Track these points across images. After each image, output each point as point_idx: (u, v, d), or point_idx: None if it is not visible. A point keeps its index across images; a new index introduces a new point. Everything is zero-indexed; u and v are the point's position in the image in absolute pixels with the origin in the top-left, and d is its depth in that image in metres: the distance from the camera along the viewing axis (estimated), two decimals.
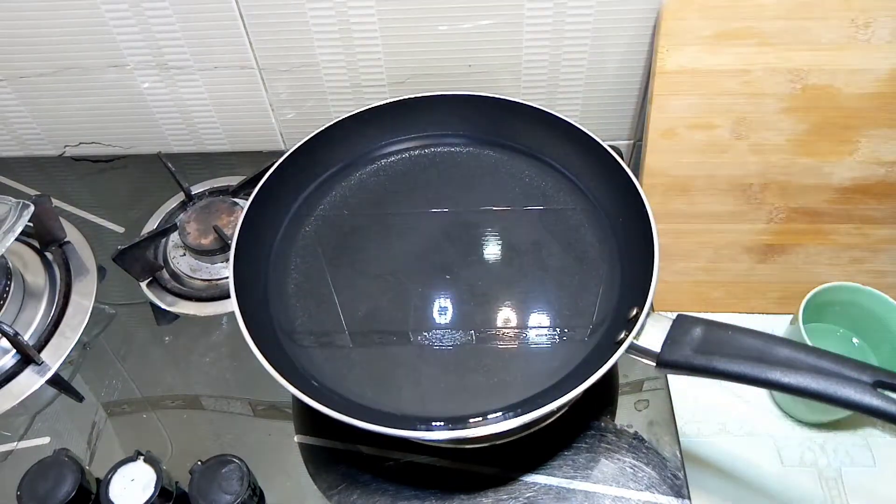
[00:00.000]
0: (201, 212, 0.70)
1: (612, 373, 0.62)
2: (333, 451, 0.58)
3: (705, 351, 0.46)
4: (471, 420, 0.51)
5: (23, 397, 0.62)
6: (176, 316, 0.67)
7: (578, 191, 0.64)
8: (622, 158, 0.60)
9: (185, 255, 0.71)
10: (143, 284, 0.68)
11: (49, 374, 0.63)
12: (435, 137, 0.68)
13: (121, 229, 0.75)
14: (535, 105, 0.65)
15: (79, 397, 0.62)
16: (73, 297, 0.68)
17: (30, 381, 0.63)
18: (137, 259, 0.68)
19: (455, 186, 0.65)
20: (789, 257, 0.67)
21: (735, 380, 0.45)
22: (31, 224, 0.66)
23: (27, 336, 0.65)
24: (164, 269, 0.70)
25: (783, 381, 0.43)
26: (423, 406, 0.52)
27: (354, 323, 0.57)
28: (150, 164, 0.77)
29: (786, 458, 0.59)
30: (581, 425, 0.59)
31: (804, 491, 0.57)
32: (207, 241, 0.68)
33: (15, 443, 0.59)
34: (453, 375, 0.54)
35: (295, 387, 0.48)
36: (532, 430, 0.57)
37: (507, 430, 0.47)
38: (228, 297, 0.54)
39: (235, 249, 0.56)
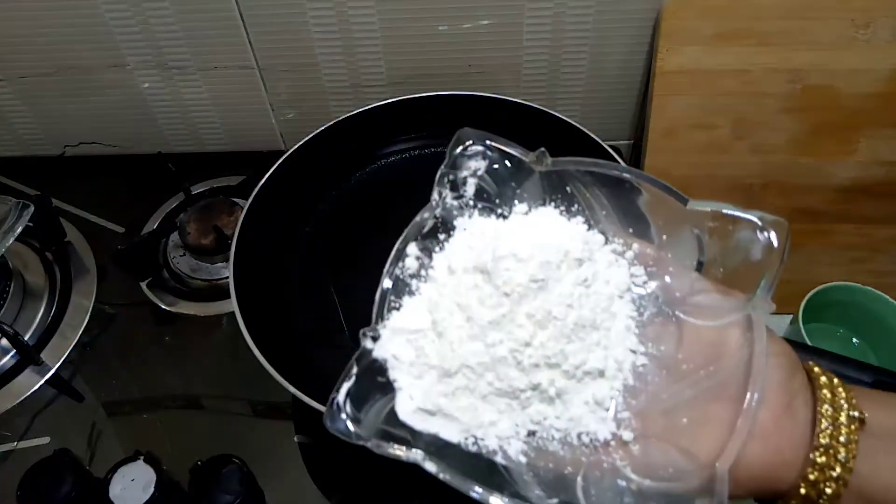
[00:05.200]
0: (201, 212, 0.70)
1: None
2: (333, 451, 0.58)
3: None
4: None
5: (23, 397, 0.62)
6: (176, 316, 0.67)
7: None
8: (622, 158, 0.60)
9: (185, 255, 0.71)
10: (143, 284, 0.68)
11: (49, 375, 0.63)
12: (435, 137, 0.68)
13: (121, 229, 0.75)
14: (535, 105, 0.65)
15: (79, 397, 0.62)
16: (73, 297, 0.68)
17: (30, 381, 0.63)
18: (137, 259, 0.68)
19: None
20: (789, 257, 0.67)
21: None
22: (31, 224, 0.66)
23: (27, 336, 0.65)
24: (165, 269, 0.70)
25: None
26: None
27: (354, 323, 0.57)
28: (150, 164, 0.77)
29: None
30: None
31: None
32: (207, 240, 0.68)
33: (15, 443, 0.59)
34: None
35: (295, 387, 0.48)
36: None
37: None
38: (228, 297, 0.54)
39: (235, 249, 0.56)
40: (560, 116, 0.64)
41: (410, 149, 0.68)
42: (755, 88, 0.64)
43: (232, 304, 0.53)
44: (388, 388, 0.32)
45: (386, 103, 0.66)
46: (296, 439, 0.59)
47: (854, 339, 0.62)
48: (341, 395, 0.31)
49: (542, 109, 0.64)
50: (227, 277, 0.59)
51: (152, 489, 0.51)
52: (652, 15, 0.65)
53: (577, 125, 0.63)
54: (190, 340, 0.66)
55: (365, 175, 0.67)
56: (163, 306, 0.67)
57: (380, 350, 0.33)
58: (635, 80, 0.71)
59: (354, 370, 0.32)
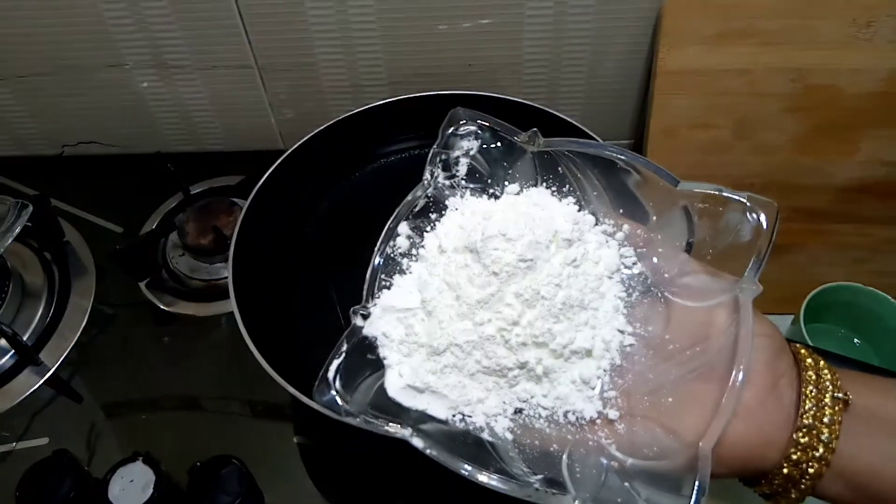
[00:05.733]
0: (200, 212, 0.70)
1: None
2: (333, 452, 0.58)
3: None
4: None
5: (21, 398, 0.62)
6: (175, 316, 0.67)
7: None
8: None
9: (184, 255, 0.71)
10: (142, 285, 0.68)
11: (48, 375, 0.63)
12: (435, 137, 0.68)
13: (119, 229, 0.74)
14: (535, 104, 0.64)
15: (77, 398, 0.62)
16: (72, 298, 0.68)
17: (28, 382, 0.62)
18: (136, 259, 0.68)
19: None
20: (791, 257, 0.67)
21: None
22: (29, 224, 0.66)
23: (26, 336, 0.65)
24: (163, 270, 0.70)
25: None
26: None
27: None
28: (148, 163, 0.77)
29: None
30: None
31: None
32: (206, 241, 0.68)
33: (14, 443, 0.59)
34: None
35: (294, 387, 0.48)
36: None
37: None
38: (227, 297, 0.54)
39: (234, 249, 0.56)
40: (560, 116, 0.63)
41: (410, 148, 0.68)
42: (756, 88, 0.64)
43: (231, 305, 0.53)
44: (378, 366, 0.33)
45: (385, 103, 0.66)
46: (295, 440, 0.59)
47: (855, 340, 0.62)
48: (331, 372, 0.31)
49: (543, 109, 0.64)
50: (226, 277, 0.59)
51: (151, 490, 0.51)
52: (652, 14, 0.65)
53: (578, 124, 0.62)
54: (189, 341, 0.66)
55: (365, 175, 0.67)
56: (162, 306, 0.67)
57: (370, 328, 0.33)
58: (636, 80, 0.71)
59: (344, 347, 0.32)
